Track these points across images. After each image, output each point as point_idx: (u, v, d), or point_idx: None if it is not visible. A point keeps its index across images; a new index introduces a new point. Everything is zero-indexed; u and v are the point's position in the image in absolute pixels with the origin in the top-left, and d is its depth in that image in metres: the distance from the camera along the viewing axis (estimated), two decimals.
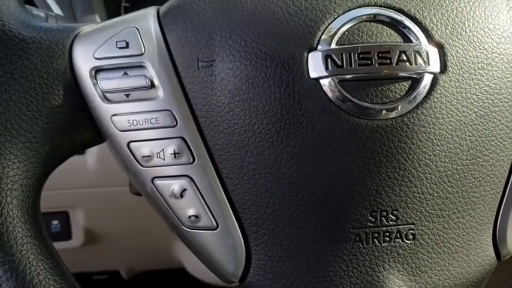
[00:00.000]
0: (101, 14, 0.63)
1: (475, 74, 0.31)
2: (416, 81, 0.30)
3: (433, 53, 0.31)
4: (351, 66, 0.30)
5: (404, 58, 0.30)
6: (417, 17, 0.31)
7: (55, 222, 0.67)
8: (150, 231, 0.66)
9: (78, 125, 0.33)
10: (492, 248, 0.34)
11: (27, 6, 0.45)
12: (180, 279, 0.93)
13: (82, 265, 0.80)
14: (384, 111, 0.30)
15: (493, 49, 0.32)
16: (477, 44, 0.32)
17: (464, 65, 0.31)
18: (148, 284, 1.07)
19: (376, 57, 0.30)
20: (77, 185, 0.63)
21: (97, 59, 0.32)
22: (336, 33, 0.31)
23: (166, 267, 0.91)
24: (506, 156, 0.33)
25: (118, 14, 0.69)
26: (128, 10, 0.71)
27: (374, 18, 0.31)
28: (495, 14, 0.33)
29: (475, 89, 0.31)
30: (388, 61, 0.30)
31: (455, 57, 0.31)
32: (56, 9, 0.58)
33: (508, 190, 0.33)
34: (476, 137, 0.32)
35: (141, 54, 0.32)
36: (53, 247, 0.34)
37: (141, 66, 0.32)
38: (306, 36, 0.31)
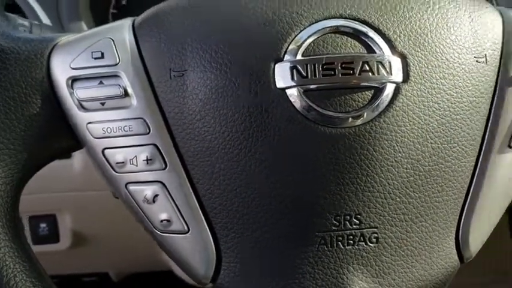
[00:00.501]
0: (88, 21, 0.64)
1: (436, 84, 0.33)
2: (379, 91, 0.32)
3: (396, 63, 0.32)
4: (315, 76, 0.31)
5: (367, 68, 0.31)
6: (381, 28, 0.33)
7: (43, 225, 0.68)
8: (137, 234, 0.67)
9: (55, 132, 0.35)
10: (455, 250, 0.35)
11: (12, 15, 0.46)
12: (168, 281, 0.94)
13: (71, 267, 0.81)
14: (347, 120, 0.32)
15: (454, 59, 0.33)
16: (439, 54, 0.33)
17: (426, 74, 0.33)
18: (137, 286, 1.08)
19: (339, 68, 0.31)
20: (64, 188, 0.65)
21: (73, 69, 0.34)
22: (302, 44, 0.32)
23: (154, 269, 0.93)
24: (468, 163, 0.34)
25: (106, 21, 0.71)
26: (116, 17, 0.72)
27: (339, 30, 0.32)
28: (457, 26, 0.34)
29: (437, 97, 0.33)
30: (351, 71, 0.31)
31: (417, 67, 0.32)
32: (44, 18, 0.59)
33: (470, 195, 0.35)
34: (438, 144, 0.33)
35: (116, 64, 0.33)
36: (31, 251, 0.35)
37: (115, 76, 0.33)
38: (273, 47, 0.32)
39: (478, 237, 0.36)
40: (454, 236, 0.35)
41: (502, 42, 0.35)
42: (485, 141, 0.35)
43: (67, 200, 0.67)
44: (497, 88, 0.35)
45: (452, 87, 0.33)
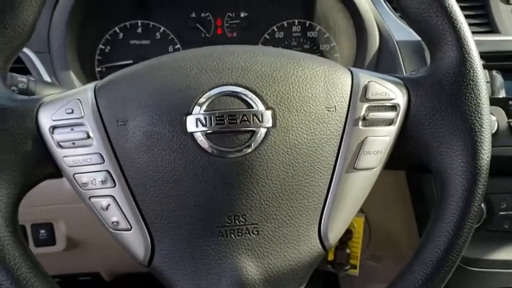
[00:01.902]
0: (76, 71, 0.80)
1: (296, 127, 0.49)
2: (254, 133, 0.48)
3: (267, 114, 0.48)
4: (211, 125, 0.47)
5: (246, 119, 0.47)
6: (257, 91, 0.48)
7: (42, 231, 0.83)
8: None
9: (42, 163, 0.50)
10: (319, 241, 0.51)
11: (14, 74, 0.63)
12: (158, 280, 1.08)
13: (66, 267, 0.96)
14: (233, 153, 0.47)
15: (310, 110, 0.49)
16: (298, 107, 0.49)
17: (289, 121, 0.48)
18: (130, 285, 1.22)
19: (227, 119, 0.47)
20: (58, 201, 0.79)
21: (53, 120, 0.49)
22: (203, 104, 0.48)
23: (144, 270, 1.07)
24: (323, 180, 0.50)
25: (92, 68, 0.87)
26: (101, 62, 0.89)
27: (228, 93, 0.48)
28: (313, 86, 0.50)
29: (297, 136, 0.48)
30: (235, 121, 0.47)
31: (282, 117, 0.48)
32: (43, 72, 0.76)
33: (327, 203, 0.50)
34: (298, 167, 0.49)
35: (82, 117, 0.49)
36: (27, 244, 0.50)
37: (81, 124, 0.49)
38: (185, 106, 0.48)
39: (335, 232, 0.51)
40: (317, 231, 0.50)
41: (350, 95, 0.51)
42: (337, 165, 0.50)
43: (61, 211, 0.82)
44: (346, 128, 0.50)
45: (308, 129, 0.49)
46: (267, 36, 0.92)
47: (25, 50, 0.77)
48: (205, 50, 0.52)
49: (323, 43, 0.93)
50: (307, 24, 0.93)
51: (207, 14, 0.91)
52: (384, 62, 0.81)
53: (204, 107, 0.48)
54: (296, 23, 0.92)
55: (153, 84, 0.49)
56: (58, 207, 0.82)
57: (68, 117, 0.49)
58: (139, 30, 0.90)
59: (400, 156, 0.54)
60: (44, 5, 0.52)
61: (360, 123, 0.51)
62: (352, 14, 0.85)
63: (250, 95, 0.48)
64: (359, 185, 0.51)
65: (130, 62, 0.88)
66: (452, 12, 0.50)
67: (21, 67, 0.75)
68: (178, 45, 0.91)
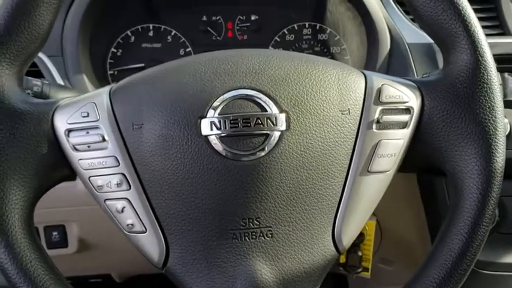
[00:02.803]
0: (89, 75, 0.81)
1: (310, 131, 0.49)
2: (268, 136, 0.48)
3: (281, 117, 0.48)
4: (225, 128, 0.47)
5: (260, 122, 0.48)
6: (271, 94, 0.49)
7: (55, 233, 0.84)
8: None
9: (58, 166, 0.51)
10: (332, 244, 0.51)
11: (28, 78, 0.63)
12: (168, 282, 1.08)
13: (77, 269, 0.97)
14: (247, 156, 0.48)
15: (323, 113, 0.49)
16: (312, 110, 0.49)
17: (302, 124, 0.49)
18: (140, 287, 1.23)
19: (241, 122, 0.47)
20: (71, 204, 0.80)
21: (69, 123, 0.50)
22: (217, 107, 0.48)
23: (154, 271, 1.08)
24: (337, 183, 0.50)
25: (105, 71, 0.88)
26: (112, 65, 0.90)
27: (242, 96, 0.48)
28: (327, 88, 0.50)
29: (310, 140, 0.49)
30: (248, 124, 0.47)
31: (296, 120, 0.48)
32: (56, 76, 0.76)
33: (341, 205, 0.50)
34: (311, 170, 0.49)
35: (97, 120, 0.50)
36: (42, 246, 0.51)
37: (97, 127, 0.50)
38: (200, 109, 0.48)
39: (348, 235, 0.51)
40: (330, 234, 0.51)
41: (364, 98, 0.51)
42: (350, 168, 0.50)
43: (73, 213, 0.83)
44: (359, 130, 0.50)
45: (322, 132, 0.49)
46: (278, 39, 0.93)
47: (39, 53, 0.77)
48: (219, 53, 0.53)
49: (333, 45, 0.93)
50: (317, 27, 0.93)
51: (218, 17, 0.92)
52: (395, 65, 0.81)
53: (218, 111, 0.48)
54: (306, 26, 0.93)
55: (167, 88, 0.50)
56: (71, 209, 0.83)
57: (84, 121, 0.50)
58: (150, 33, 0.91)
59: (413, 159, 0.54)
60: (60, 9, 0.52)
61: (374, 126, 0.51)
62: (363, 16, 0.85)
63: (264, 98, 0.49)
64: (373, 188, 0.51)
65: (142, 65, 0.89)
66: (466, 15, 0.50)
67: (35, 70, 0.76)
68: (189, 48, 0.91)
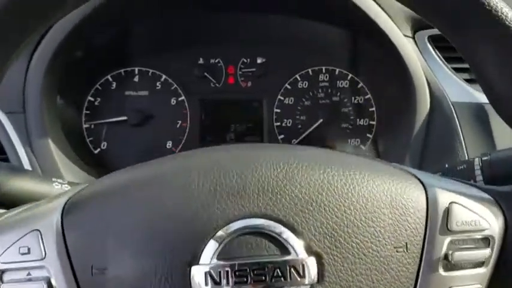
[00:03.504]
0: (56, 137, 0.66)
1: (352, 281, 0.33)
2: None
3: (311, 262, 0.32)
4: (228, 283, 0.32)
5: (279, 274, 0.32)
6: (295, 227, 0.33)
7: None
8: None
9: None
10: None
11: None
12: None
13: None
14: None
15: (372, 253, 0.34)
16: (355, 250, 0.33)
17: (342, 273, 0.33)
18: None
19: (252, 275, 0.32)
20: None
21: (2, 263, 0.34)
22: (216, 248, 0.32)
23: None
24: None
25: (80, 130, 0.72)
26: (90, 133, 0.74)
27: (252, 230, 0.33)
28: (377, 213, 0.34)
29: None
30: (263, 277, 0.32)
31: (332, 267, 0.33)
32: (14, 137, 0.62)
33: None
34: None
35: (42, 259, 0.34)
36: None
37: (41, 267, 0.34)
38: (190, 250, 0.33)
39: None
40: None
41: (425, 226, 0.36)
42: None
43: None
44: (419, 274, 0.35)
45: (370, 282, 0.33)
46: (288, 86, 0.78)
47: None
48: (217, 155, 0.37)
49: (356, 95, 0.77)
50: (336, 72, 0.77)
51: (217, 60, 0.77)
52: (436, 127, 0.65)
53: (217, 254, 0.32)
54: (323, 71, 0.77)
55: (144, 213, 0.34)
56: None
57: (23, 260, 0.34)
58: (136, 78, 0.76)
59: None
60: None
61: (441, 266, 0.35)
62: (396, 64, 0.69)
63: (285, 232, 0.33)
64: None
65: (124, 118, 0.73)
66: None
67: None
68: (182, 97, 0.76)
